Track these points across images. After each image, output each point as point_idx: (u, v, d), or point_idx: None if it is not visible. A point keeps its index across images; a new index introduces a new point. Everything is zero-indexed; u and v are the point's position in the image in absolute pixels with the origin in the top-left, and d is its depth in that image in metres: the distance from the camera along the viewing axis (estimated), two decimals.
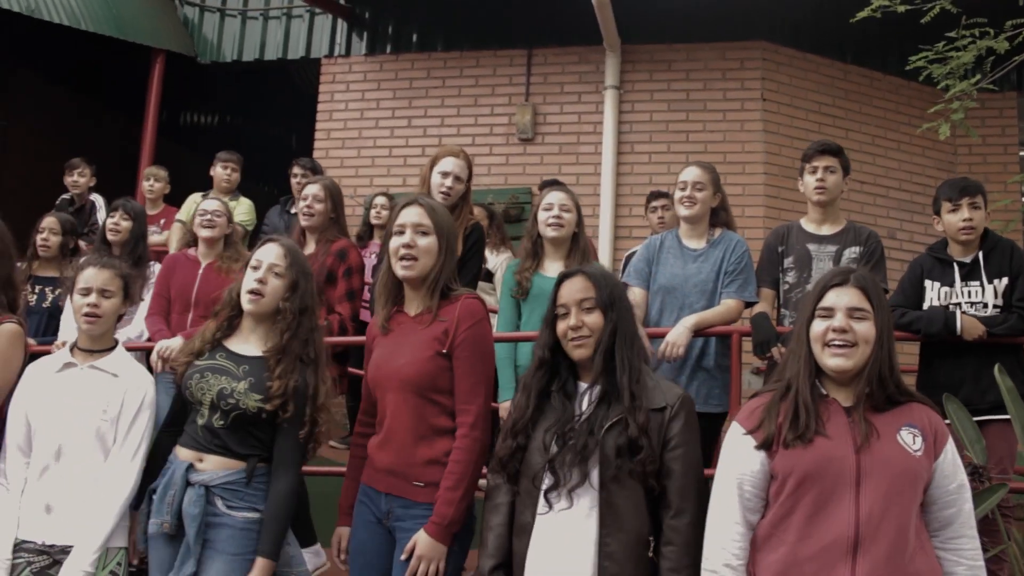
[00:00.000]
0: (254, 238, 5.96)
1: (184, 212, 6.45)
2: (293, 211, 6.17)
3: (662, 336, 3.79)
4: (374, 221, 6.13)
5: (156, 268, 4.91)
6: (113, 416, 2.90)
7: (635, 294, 4.01)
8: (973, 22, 4.90)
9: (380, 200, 6.18)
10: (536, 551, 2.41)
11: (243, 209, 6.36)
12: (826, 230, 4.07)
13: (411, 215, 2.77)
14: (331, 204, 4.33)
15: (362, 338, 3.99)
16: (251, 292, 2.81)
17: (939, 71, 5.21)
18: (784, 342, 3.73)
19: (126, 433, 2.89)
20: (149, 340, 4.42)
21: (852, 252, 3.99)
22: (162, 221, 6.61)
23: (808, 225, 4.12)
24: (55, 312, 4.95)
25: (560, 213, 3.90)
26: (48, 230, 5.13)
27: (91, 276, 3.00)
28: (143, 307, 4.66)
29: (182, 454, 2.76)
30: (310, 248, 4.28)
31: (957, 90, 5.12)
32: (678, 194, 4.04)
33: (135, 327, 4.67)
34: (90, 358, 2.98)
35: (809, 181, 4.08)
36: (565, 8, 7.38)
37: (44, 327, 4.93)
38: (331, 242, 4.24)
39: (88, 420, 2.87)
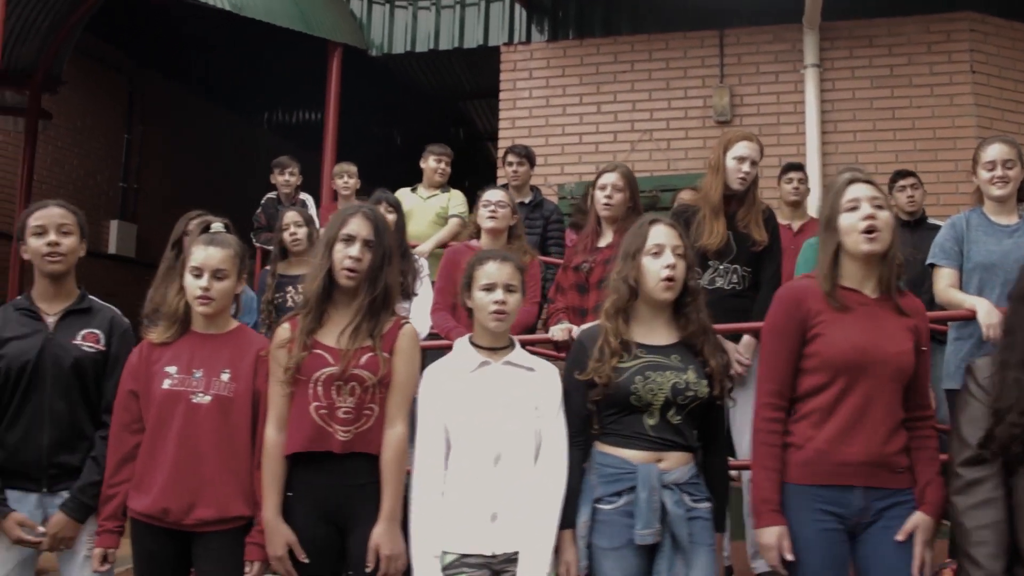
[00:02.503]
0: None
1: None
2: None
3: None
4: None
5: (422, 262, 4.83)
6: (541, 413, 2.76)
7: (948, 275, 3.91)
8: None
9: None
10: None
11: (458, 201, 6.30)
12: None
13: (863, 190, 2.71)
14: (629, 192, 4.23)
15: None
16: (666, 280, 2.68)
17: None
18: None
19: (552, 430, 2.74)
20: (434, 336, 4.34)
21: None
22: None
23: None
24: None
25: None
26: (292, 224, 4.81)
27: (494, 271, 2.82)
28: (417, 302, 4.58)
29: (635, 457, 2.63)
30: (607, 238, 4.18)
31: None
32: (985, 175, 3.90)
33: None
34: (497, 355, 2.82)
35: None
36: None
37: None
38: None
39: (525, 420, 2.74)
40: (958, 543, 2.47)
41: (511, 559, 2.66)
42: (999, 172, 3.86)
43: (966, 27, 7.13)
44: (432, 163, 6.40)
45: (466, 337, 2.91)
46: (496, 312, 2.78)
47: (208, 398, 2.77)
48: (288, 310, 4.69)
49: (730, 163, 3.98)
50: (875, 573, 2.58)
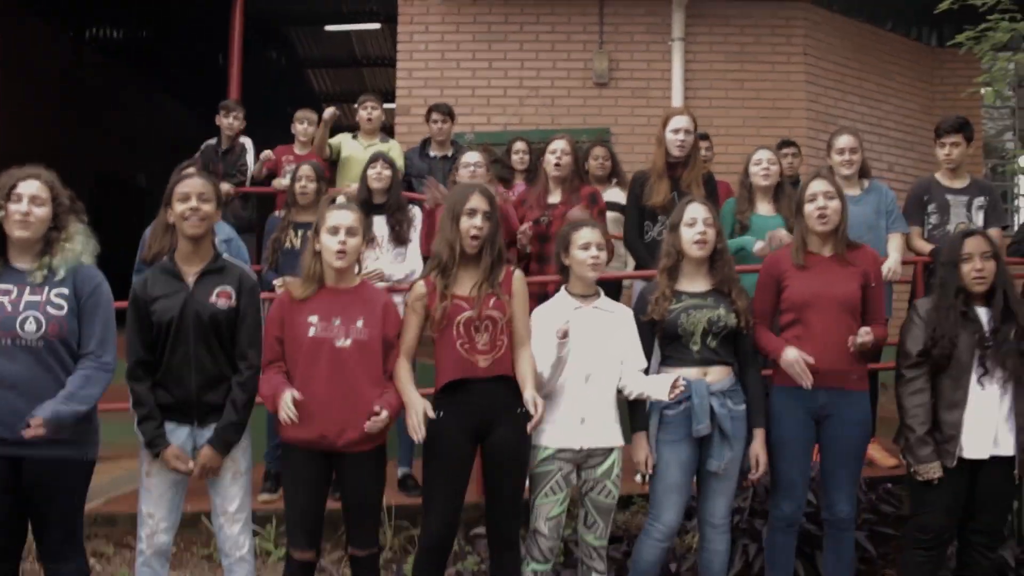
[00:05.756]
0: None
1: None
2: (433, 154, 6.67)
3: None
4: (517, 167, 6.47)
5: (416, 211, 5.37)
6: (621, 343, 3.69)
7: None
8: (1006, 7, 5.95)
9: (520, 146, 6.52)
10: (972, 417, 3.66)
11: (397, 152, 6.63)
12: (958, 184, 5.32)
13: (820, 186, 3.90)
14: (574, 156, 5.12)
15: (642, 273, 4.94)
16: (698, 242, 3.68)
17: (979, 48, 6.52)
18: None
19: (632, 350, 3.68)
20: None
21: (979, 201, 5.28)
22: None
23: (943, 180, 5.35)
24: None
25: (768, 167, 5.08)
26: (305, 177, 5.34)
27: (589, 234, 3.64)
28: (412, 247, 5.23)
29: (688, 374, 3.61)
30: (556, 196, 5.06)
31: (999, 64, 6.50)
32: (837, 158, 5.17)
33: (408, 265, 5.19)
34: (587, 301, 3.69)
35: (939, 153, 5.35)
36: None
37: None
38: (577, 190, 5.06)
39: (608, 349, 3.65)
40: (900, 417, 3.77)
41: (590, 454, 3.57)
42: (847, 157, 5.12)
43: (802, 15, 8.48)
44: (362, 112, 6.80)
45: (563, 288, 3.75)
46: (593, 264, 3.64)
47: (348, 342, 3.42)
48: (289, 252, 5.19)
49: (669, 135, 4.97)
50: (831, 446, 3.81)
